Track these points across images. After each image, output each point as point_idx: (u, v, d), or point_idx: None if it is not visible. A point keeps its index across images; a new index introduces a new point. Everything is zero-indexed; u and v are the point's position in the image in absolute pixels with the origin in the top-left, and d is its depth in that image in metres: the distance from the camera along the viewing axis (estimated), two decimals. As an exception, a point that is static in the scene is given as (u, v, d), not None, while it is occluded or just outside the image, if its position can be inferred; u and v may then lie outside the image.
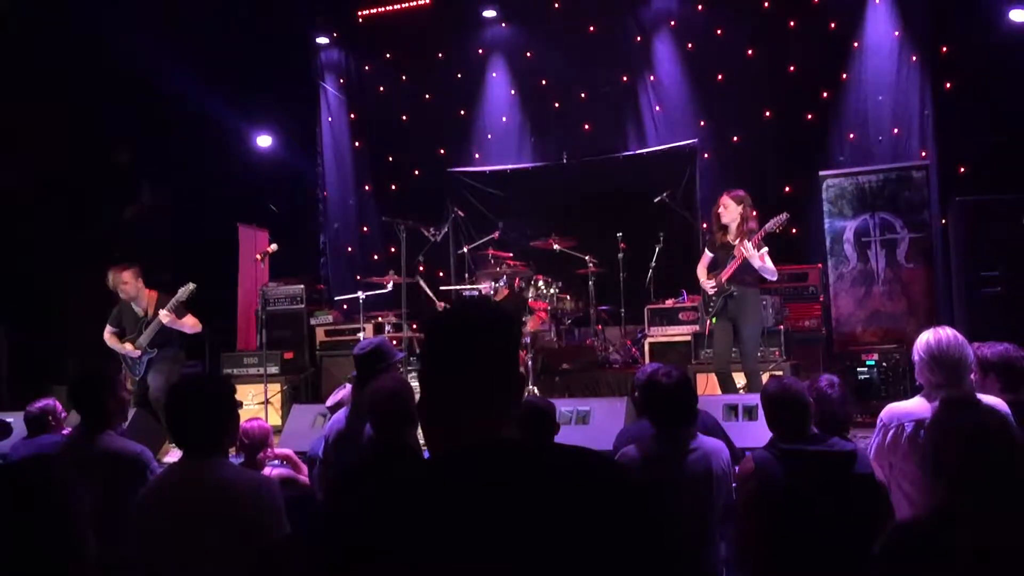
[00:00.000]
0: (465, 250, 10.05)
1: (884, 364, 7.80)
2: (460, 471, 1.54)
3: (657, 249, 9.63)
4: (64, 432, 5.11)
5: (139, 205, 10.31)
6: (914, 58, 9.49)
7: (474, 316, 1.72)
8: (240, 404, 3.16)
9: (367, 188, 12.16)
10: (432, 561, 1.45)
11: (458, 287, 9.45)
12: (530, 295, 8.96)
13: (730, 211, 6.94)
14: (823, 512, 3.18)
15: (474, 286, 9.06)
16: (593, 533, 1.47)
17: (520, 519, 1.46)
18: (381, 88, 12.03)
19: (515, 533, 1.45)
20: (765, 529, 3.25)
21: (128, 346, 7.37)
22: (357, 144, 12.21)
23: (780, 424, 3.39)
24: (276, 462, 5.28)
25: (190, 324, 7.44)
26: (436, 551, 1.46)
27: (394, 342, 6.21)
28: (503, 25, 11.51)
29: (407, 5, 11.61)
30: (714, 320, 7.05)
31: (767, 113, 10.11)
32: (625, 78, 10.96)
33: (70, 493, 2.06)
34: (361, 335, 8.75)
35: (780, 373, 6.99)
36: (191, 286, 7.27)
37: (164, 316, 7.20)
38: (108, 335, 7.51)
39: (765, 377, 6.91)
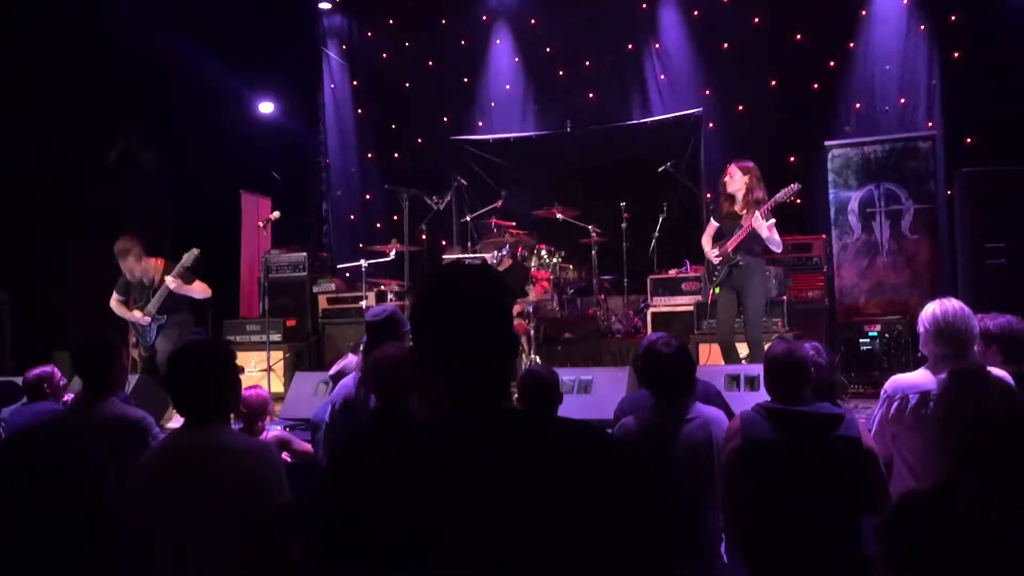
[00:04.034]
0: (468, 219, 10.02)
1: (887, 335, 7.80)
2: (449, 443, 1.53)
3: (660, 219, 9.59)
4: (65, 399, 5.13)
5: (122, 149, 10.22)
6: (922, 27, 9.40)
7: (463, 280, 1.68)
8: (241, 370, 3.15)
9: (370, 156, 12.10)
10: (426, 533, 1.45)
11: (461, 255, 9.43)
12: (533, 264, 8.95)
13: (736, 181, 6.91)
14: (805, 471, 3.20)
15: (477, 255, 9.04)
16: (589, 509, 1.46)
17: (508, 494, 1.46)
18: (384, 55, 11.94)
19: (506, 509, 1.45)
20: (748, 485, 3.28)
21: (137, 313, 7.36)
22: (360, 111, 12.15)
23: (779, 386, 3.40)
24: (274, 426, 5.28)
25: (199, 289, 7.43)
26: (429, 524, 1.45)
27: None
28: (507, -9, 11.42)
29: (410, -29, 11.51)
30: (717, 290, 7.04)
31: (773, 82, 10.03)
32: (630, 46, 10.87)
33: (101, 461, 2.06)
34: (363, 303, 8.76)
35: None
36: (195, 251, 7.25)
37: (171, 282, 7.19)
38: (115, 303, 7.50)
39: (768, 347, 6.92)
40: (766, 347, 4.27)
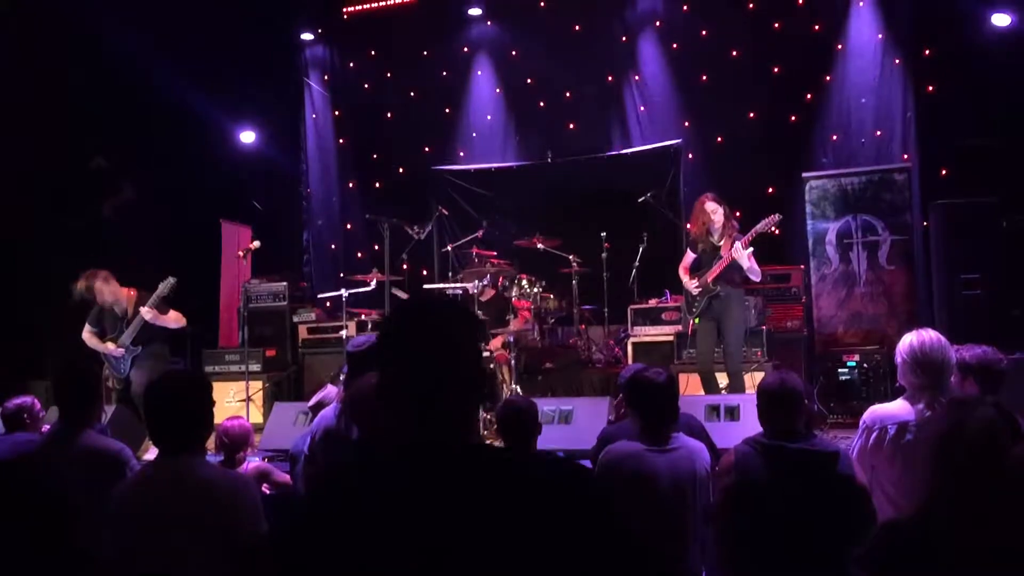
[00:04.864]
0: (449, 248, 10.01)
1: (865, 365, 7.85)
2: (397, 476, 1.55)
3: (641, 249, 9.64)
4: (44, 429, 5.07)
5: (119, 199, 10.20)
6: (897, 61, 9.54)
7: (430, 312, 1.68)
8: (213, 402, 3.15)
9: (351, 185, 12.12)
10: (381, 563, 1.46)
11: (442, 285, 9.42)
12: (514, 294, 8.95)
13: (719, 215, 6.98)
14: (800, 510, 3.17)
15: (458, 285, 9.04)
16: (543, 542, 1.47)
17: (443, 525, 1.47)
18: (366, 85, 12.00)
19: (444, 545, 1.46)
20: (741, 524, 3.26)
21: (110, 345, 7.30)
22: (341, 141, 12.17)
23: (773, 418, 3.36)
24: (253, 457, 5.24)
25: (173, 319, 7.38)
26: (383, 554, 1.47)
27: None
28: (488, 23, 11.49)
29: (393, 2, 11.59)
30: (697, 320, 7.07)
31: (751, 114, 10.13)
32: (610, 78, 10.96)
33: (69, 493, 2.05)
34: (343, 333, 8.72)
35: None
36: (171, 280, 7.22)
37: (146, 313, 7.14)
38: (87, 335, 7.43)
39: (747, 378, 6.95)
40: (755, 378, 4.30)
